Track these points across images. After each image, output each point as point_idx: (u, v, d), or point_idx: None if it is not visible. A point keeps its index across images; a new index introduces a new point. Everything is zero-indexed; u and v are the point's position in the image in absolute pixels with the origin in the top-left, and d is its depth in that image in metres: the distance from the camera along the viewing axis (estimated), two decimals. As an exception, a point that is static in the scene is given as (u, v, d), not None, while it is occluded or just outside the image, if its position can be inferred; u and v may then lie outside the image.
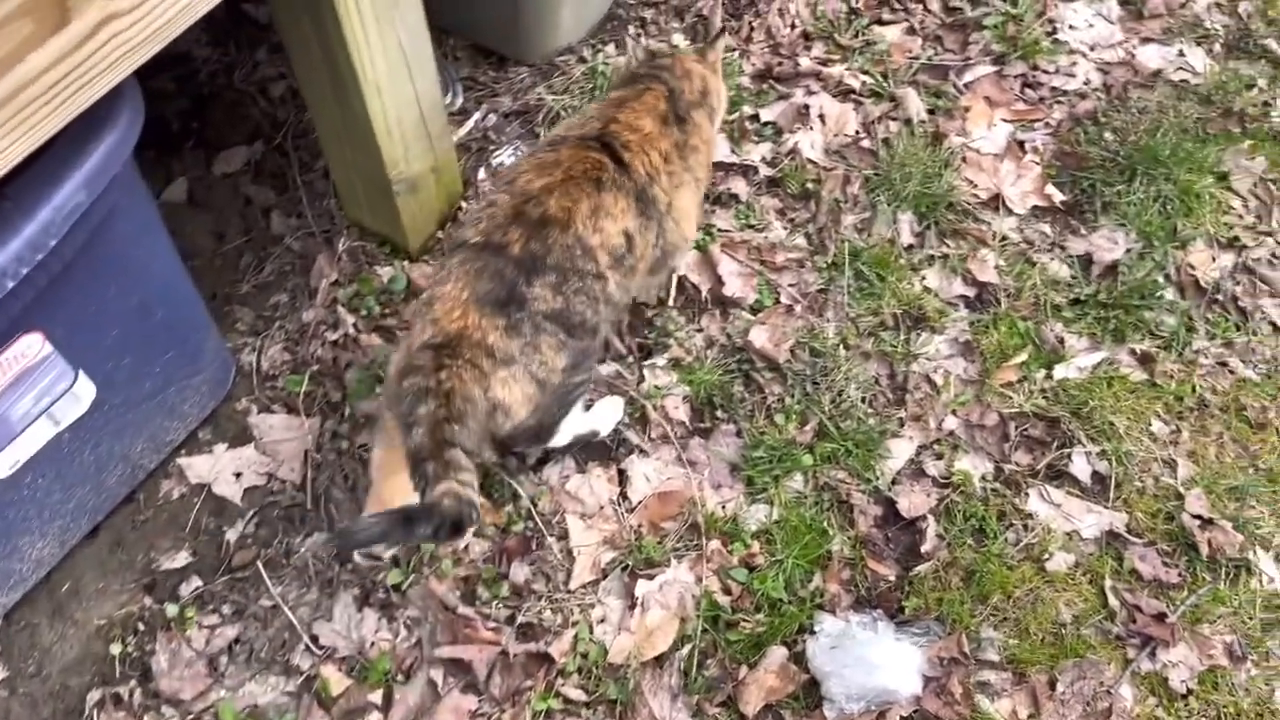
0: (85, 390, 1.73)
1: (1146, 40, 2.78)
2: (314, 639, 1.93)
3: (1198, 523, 2.06)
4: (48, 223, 1.39)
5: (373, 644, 1.92)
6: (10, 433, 1.63)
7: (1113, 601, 1.99)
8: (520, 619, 1.94)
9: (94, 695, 1.88)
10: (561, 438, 1.94)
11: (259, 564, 2.00)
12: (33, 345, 1.57)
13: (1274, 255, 2.41)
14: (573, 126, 1.91)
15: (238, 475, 2.08)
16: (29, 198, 1.38)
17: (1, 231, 1.36)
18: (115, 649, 1.92)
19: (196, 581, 1.98)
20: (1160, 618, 1.97)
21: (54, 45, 1.22)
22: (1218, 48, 2.77)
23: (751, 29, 2.76)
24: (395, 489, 1.71)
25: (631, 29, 2.71)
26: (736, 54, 2.70)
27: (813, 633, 1.94)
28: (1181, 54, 2.75)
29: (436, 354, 1.63)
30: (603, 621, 1.96)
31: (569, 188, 1.74)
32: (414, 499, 1.62)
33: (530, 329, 1.67)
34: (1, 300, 1.39)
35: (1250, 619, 1.99)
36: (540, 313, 1.68)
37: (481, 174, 2.47)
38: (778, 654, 1.92)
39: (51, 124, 1.28)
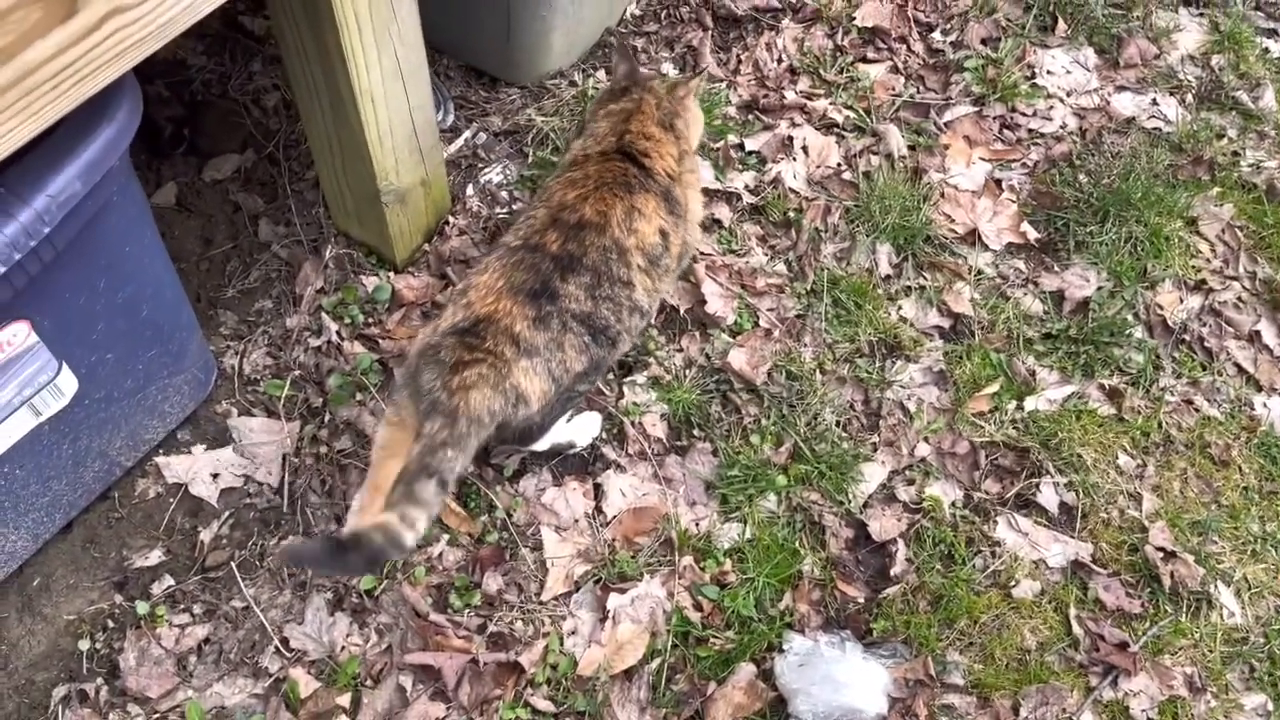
0: (68, 383, 1.74)
1: (1121, 88, 2.86)
2: (284, 641, 1.93)
3: (1161, 555, 2.10)
4: (42, 210, 1.40)
5: (343, 648, 1.92)
6: (-10, 421, 1.64)
7: (1077, 630, 2.03)
8: (491, 628, 1.95)
9: (60, 691, 1.87)
10: (543, 443, 1.97)
11: (232, 565, 2.00)
12: (19, 334, 1.58)
13: (1239, 299, 2.48)
14: (588, 146, 1.98)
15: (215, 476, 2.08)
16: (25, 184, 1.39)
17: (-4, 216, 1.37)
18: (84, 645, 1.91)
19: (169, 580, 1.98)
20: (1123, 647, 2.00)
21: (60, 35, 1.24)
22: (1190, 98, 2.85)
23: (739, 61, 2.83)
24: (391, 472, 1.74)
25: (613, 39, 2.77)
26: (724, 85, 2.76)
27: (781, 651, 1.96)
28: (1155, 102, 2.83)
29: (460, 341, 1.68)
30: (573, 633, 1.97)
31: (602, 194, 1.83)
32: None
33: (558, 325, 1.72)
34: (-8, 286, 1.40)
35: (1210, 651, 2.03)
36: (570, 311, 1.73)
37: (470, 190, 2.50)
38: (746, 671, 1.93)
39: (52, 112, 1.30)
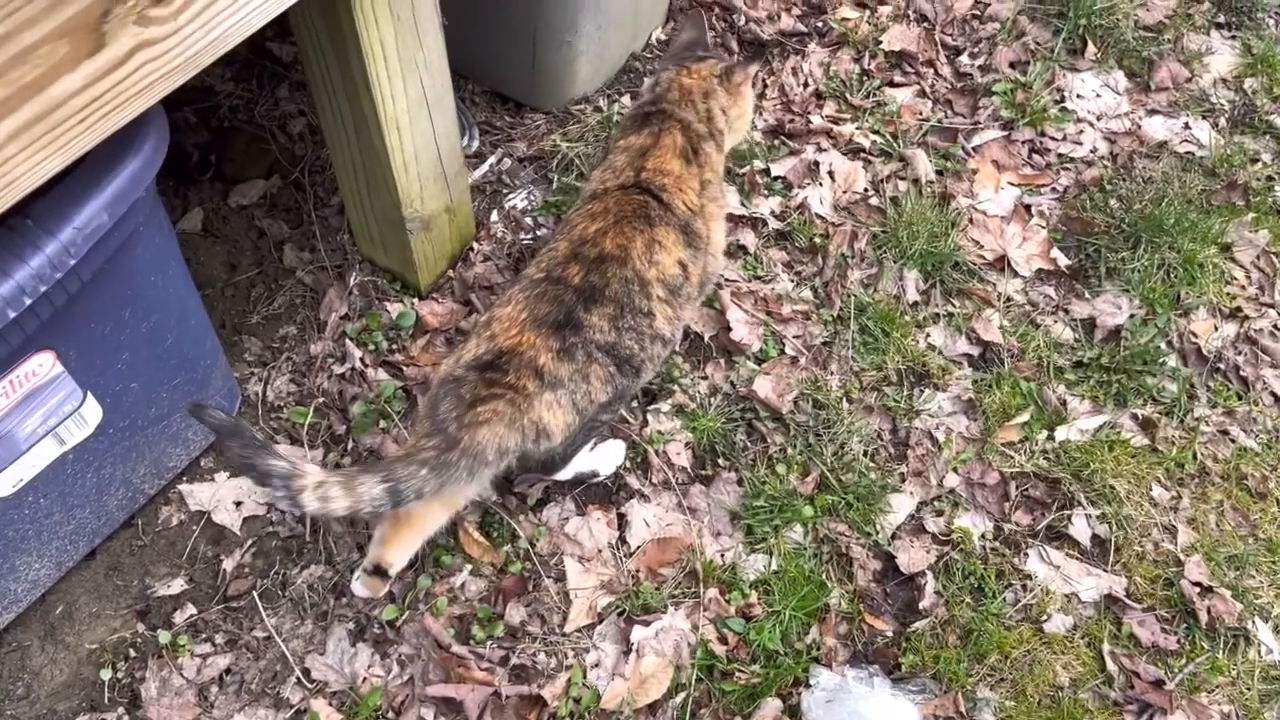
0: (92, 412, 1.74)
1: (1153, 112, 2.83)
2: (306, 672, 1.91)
3: (1197, 590, 2.06)
4: (69, 242, 1.40)
5: (364, 679, 1.90)
6: (15, 450, 1.64)
7: (1111, 666, 1.98)
8: (514, 660, 1.93)
9: (81, 721, 1.87)
10: (566, 472, 1.95)
11: (254, 594, 1.99)
12: (44, 364, 1.58)
13: (1276, 327, 2.43)
14: (606, 179, 1.96)
15: (238, 504, 2.08)
16: (52, 217, 1.40)
17: (23, 248, 1.37)
18: (105, 674, 1.91)
19: (191, 609, 1.97)
20: (1158, 685, 1.96)
21: (88, 68, 1.24)
22: (1223, 122, 2.81)
23: (765, 86, 2.81)
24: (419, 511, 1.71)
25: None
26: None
27: (808, 686, 1.93)
28: (1187, 126, 2.79)
29: (481, 377, 1.68)
30: (597, 666, 1.95)
31: (622, 227, 1.82)
32: (436, 516, 1.77)
33: (583, 356, 1.71)
34: (18, 317, 1.40)
35: (1248, 690, 1.98)
36: (594, 342, 1.72)
37: (495, 216, 2.50)
38: (772, 706, 1.90)
39: (81, 144, 1.30)
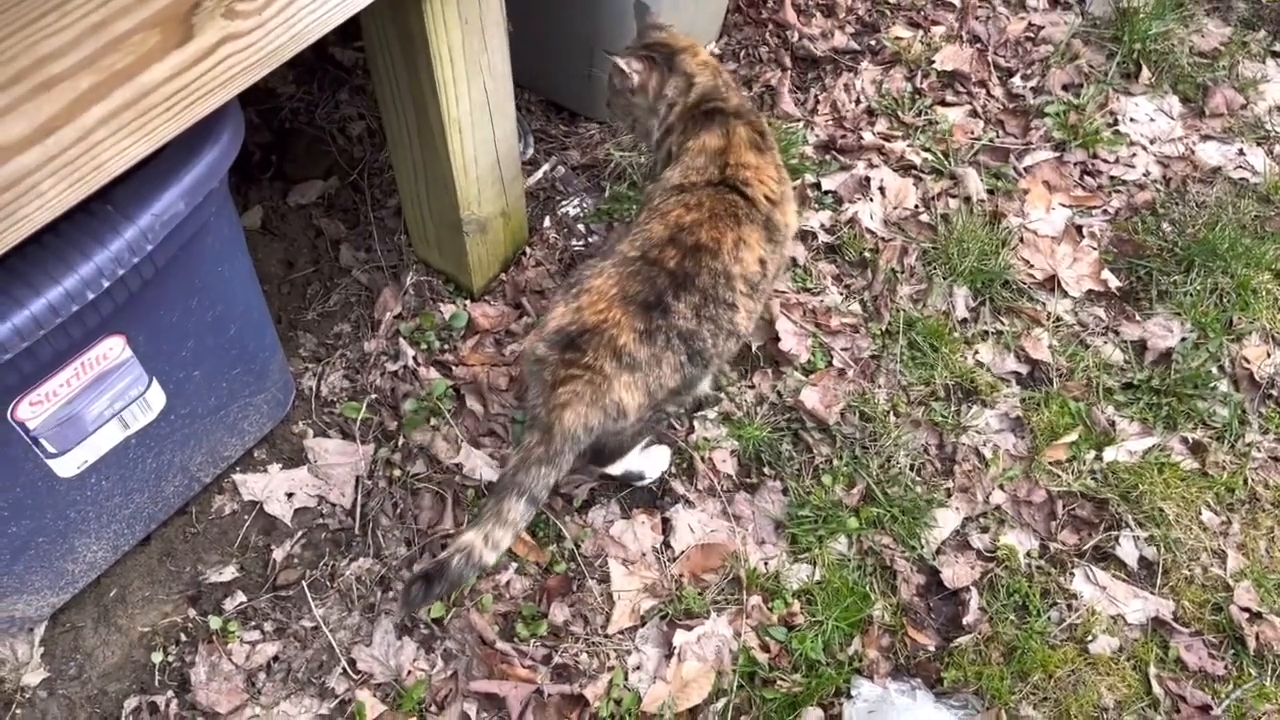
0: (156, 398, 1.78)
1: (1207, 137, 2.81)
2: (352, 663, 1.94)
3: (1246, 616, 2.03)
4: (147, 228, 1.45)
5: (409, 672, 1.92)
6: (83, 432, 1.68)
7: (1156, 690, 1.96)
8: (557, 659, 1.94)
9: (131, 702, 1.90)
10: (617, 467, 1.99)
11: (304, 584, 2.02)
12: (115, 348, 1.62)
13: (1330, 355, 2.41)
14: (690, 173, 1.95)
15: (289, 495, 2.11)
16: (132, 203, 1.44)
17: (104, 233, 1.41)
18: (156, 657, 1.94)
19: (241, 597, 2.00)
20: (1205, 710, 1.93)
21: (176, 58, 1.28)
22: (1278, 149, 2.80)
23: (817, 102, 2.83)
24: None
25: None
26: (801, 124, 2.77)
27: (849, 697, 1.92)
28: (1241, 153, 2.78)
29: (561, 358, 1.72)
30: (638, 669, 1.95)
31: (715, 223, 1.84)
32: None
33: (663, 340, 1.74)
34: (94, 300, 1.44)
35: (1297, 718, 1.95)
36: (676, 328, 1.75)
37: (547, 222, 2.53)
38: (814, 716, 1.90)
39: (165, 132, 1.34)
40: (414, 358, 2.27)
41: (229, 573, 2.03)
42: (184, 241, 1.58)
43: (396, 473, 2.14)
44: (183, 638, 1.97)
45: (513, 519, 1.70)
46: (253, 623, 1.98)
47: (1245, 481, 2.21)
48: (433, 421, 2.19)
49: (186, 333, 1.76)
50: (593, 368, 1.70)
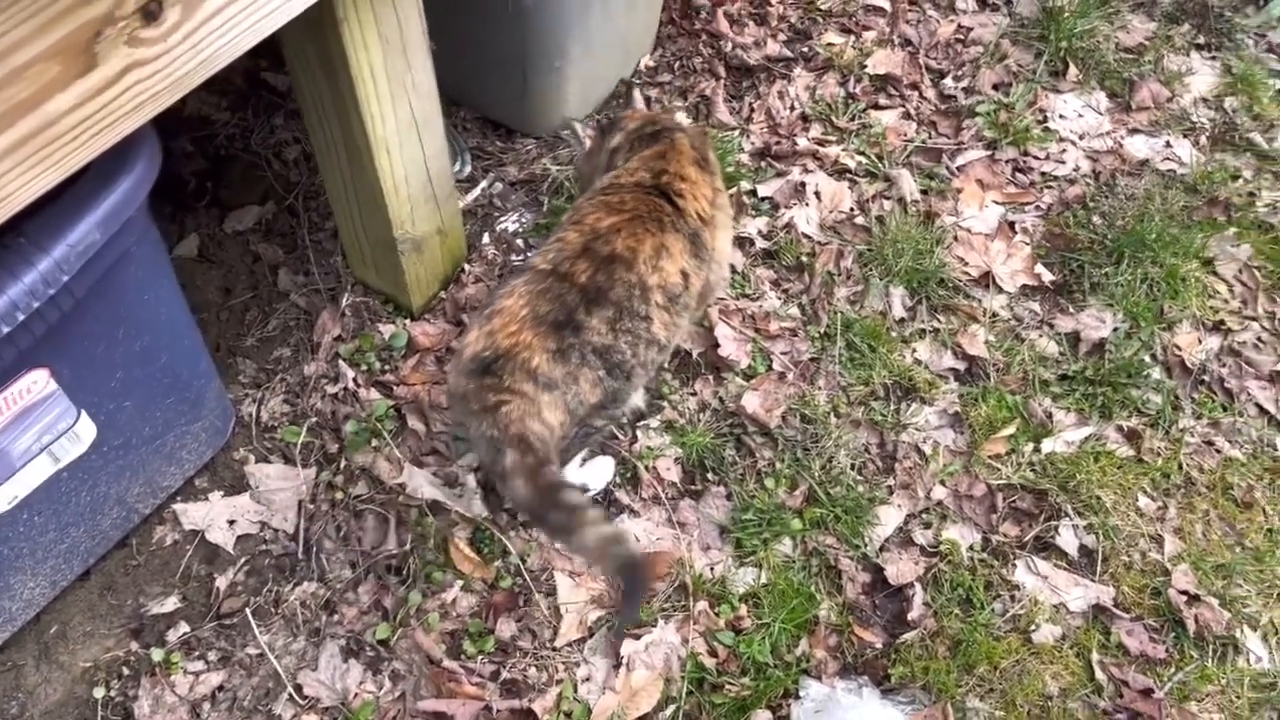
0: (86, 430, 1.76)
1: (1134, 131, 2.87)
2: (298, 688, 1.92)
3: (1184, 599, 2.07)
4: (61, 259, 1.43)
5: (356, 695, 1.91)
6: (10, 468, 1.66)
7: (1100, 676, 1.99)
8: (505, 675, 1.94)
9: (74, 739, 1.87)
10: None
11: (247, 611, 2.00)
12: (38, 381, 1.61)
13: (1259, 339, 2.45)
14: (620, 175, 1.96)
15: (231, 523, 2.10)
16: (45, 234, 1.43)
17: (17, 265, 1.40)
18: (99, 693, 1.92)
19: (184, 627, 1.98)
20: (1147, 693, 1.96)
21: (80, 87, 1.27)
22: (1204, 140, 2.85)
23: (752, 110, 2.86)
24: None
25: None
26: (736, 132, 2.79)
27: (798, 698, 1.93)
28: (1168, 145, 2.83)
29: (480, 385, 1.71)
30: (587, 680, 1.95)
31: (635, 227, 1.82)
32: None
33: (577, 358, 1.72)
34: (11, 334, 1.42)
35: (1238, 698, 1.98)
36: (590, 344, 1.74)
37: (486, 238, 2.54)
38: (762, 718, 1.91)
39: (74, 161, 1.33)
40: (354, 379, 2.27)
41: (171, 603, 2.01)
42: (103, 271, 1.57)
43: (339, 495, 2.13)
44: (125, 671, 1.95)
45: (581, 500, 1.69)
46: (196, 653, 1.97)
47: (1180, 466, 2.24)
48: (374, 442, 2.18)
49: (114, 363, 1.75)
50: (515, 390, 1.69)
